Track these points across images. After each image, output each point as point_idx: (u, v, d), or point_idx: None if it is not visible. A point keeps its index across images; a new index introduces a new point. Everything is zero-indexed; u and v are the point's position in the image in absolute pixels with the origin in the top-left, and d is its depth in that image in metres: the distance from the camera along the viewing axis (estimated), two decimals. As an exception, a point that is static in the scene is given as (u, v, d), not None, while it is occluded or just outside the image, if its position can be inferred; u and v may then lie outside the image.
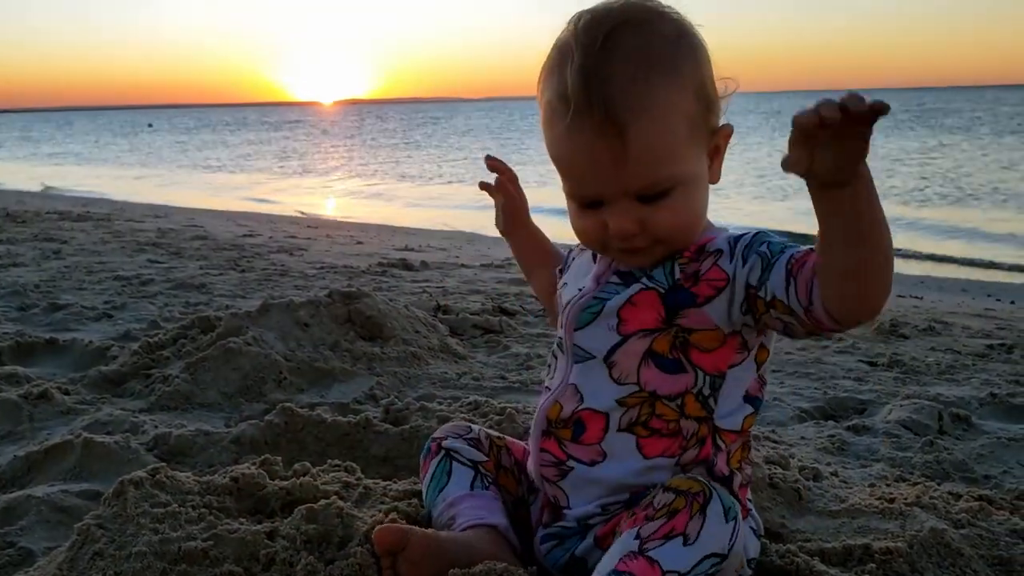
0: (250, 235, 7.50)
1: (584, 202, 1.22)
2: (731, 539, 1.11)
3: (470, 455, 1.40)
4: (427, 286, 4.45)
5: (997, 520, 1.49)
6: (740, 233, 1.20)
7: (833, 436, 2.11)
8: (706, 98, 1.19)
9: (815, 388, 2.59)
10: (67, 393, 2.40)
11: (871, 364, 2.92)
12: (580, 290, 1.31)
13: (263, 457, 1.59)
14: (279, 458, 1.61)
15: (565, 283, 1.39)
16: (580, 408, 1.25)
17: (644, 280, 1.23)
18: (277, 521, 1.33)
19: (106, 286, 4.27)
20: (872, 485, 1.78)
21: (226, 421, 2.25)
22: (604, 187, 1.17)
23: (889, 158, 19.44)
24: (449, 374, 2.63)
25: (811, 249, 1.11)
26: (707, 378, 1.22)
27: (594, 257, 1.33)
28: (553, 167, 1.23)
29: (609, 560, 1.13)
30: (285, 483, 1.47)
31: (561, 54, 1.19)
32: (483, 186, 1.59)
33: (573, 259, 1.43)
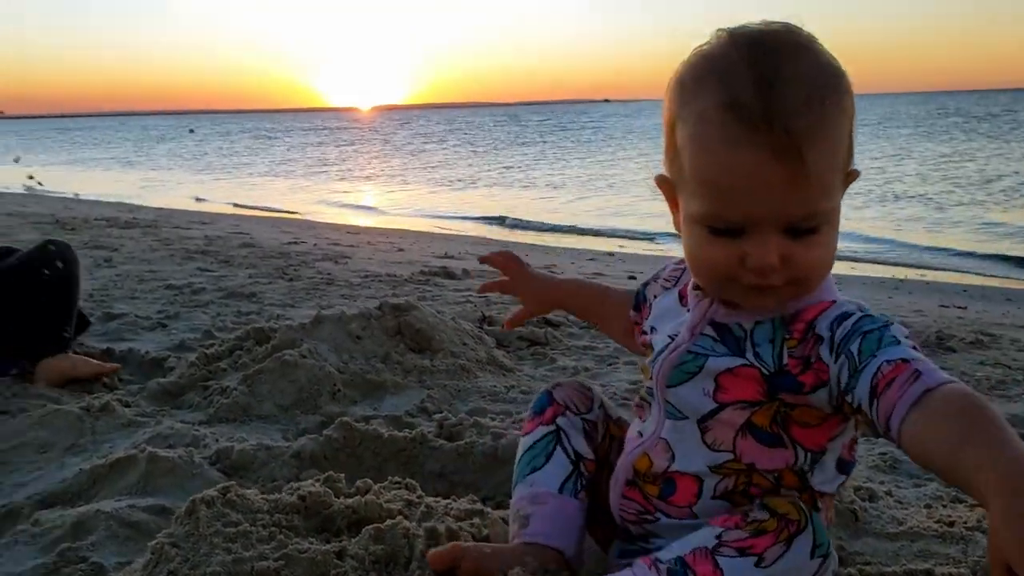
0: (295, 243, 7.60)
1: (721, 228, 1.10)
2: (810, 565, 1.09)
3: (577, 445, 1.34)
4: (470, 296, 4.47)
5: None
6: (843, 313, 1.12)
7: (884, 454, 2.09)
8: (852, 137, 1.14)
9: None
10: (127, 405, 2.46)
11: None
12: (672, 339, 1.24)
13: (327, 474, 1.62)
14: (342, 475, 1.64)
15: (653, 327, 1.32)
16: (671, 468, 1.21)
17: (749, 356, 1.15)
18: (345, 540, 1.36)
19: (158, 295, 4.36)
20: (928, 506, 1.76)
21: (283, 434, 2.29)
22: (759, 212, 1.07)
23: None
24: (498, 387, 2.65)
25: (905, 361, 1.02)
26: (807, 454, 1.17)
27: (681, 298, 1.27)
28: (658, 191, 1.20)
29: (681, 545, 1.12)
30: (350, 501, 1.50)
31: (718, 62, 1.10)
32: (489, 288, 1.60)
33: (654, 298, 1.36)
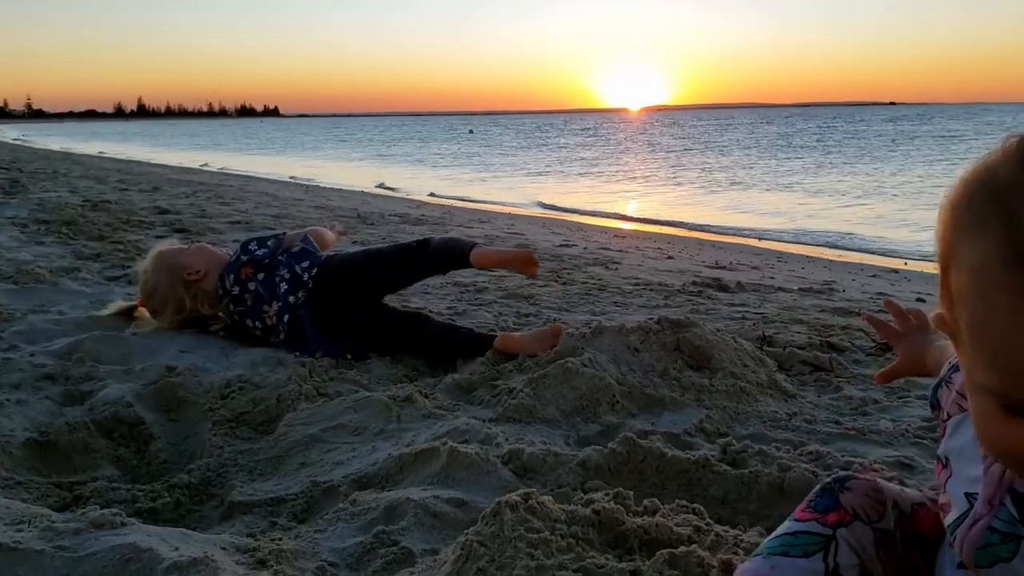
0: (566, 245, 7.82)
1: (1018, 408, 0.87)
2: None
3: (843, 560, 1.19)
4: (746, 311, 4.39)
5: None
6: None
7: None
8: None
9: None
10: (427, 397, 2.68)
11: None
12: (970, 501, 1.04)
13: (615, 490, 1.68)
14: (631, 492, 1.69)
15: (947, 458, 1.11)
16: None
17: None
18: (638, 560, 1.40)
19: (447, 291, 4.67)
20: None
21: (565, 439, 2.39)
22: None
23: None
24: (779, 413, 2.60)
25: None
26: None
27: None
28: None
29: None
30: (641, 520, 1.55)
31: (1003, 193, 0.84)
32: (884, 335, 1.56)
33: (948, 416, 1.14)
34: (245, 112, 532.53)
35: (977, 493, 1.03)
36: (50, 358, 3.01)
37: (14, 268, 4.58)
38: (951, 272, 0.91)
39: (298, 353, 3.16)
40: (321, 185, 18.64)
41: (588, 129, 76.33)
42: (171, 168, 22.18)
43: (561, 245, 7.80)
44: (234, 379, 2.84)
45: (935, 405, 1.19)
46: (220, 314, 3.41)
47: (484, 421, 2.47)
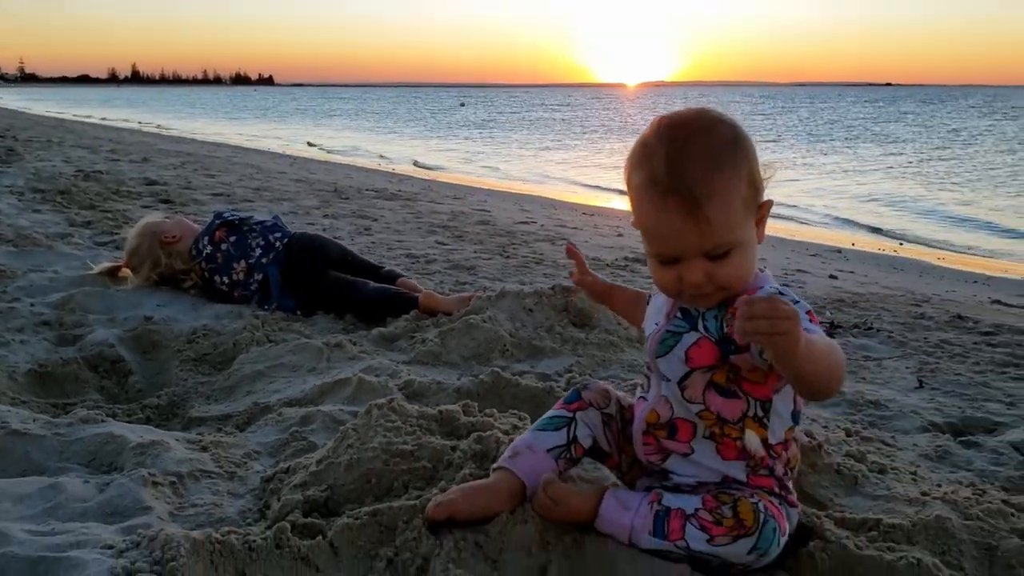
0: (526, 222, 8.42)
1: (664, 259, 1.60)
2: (748, 562, 1.60)
3: (579, 433, 1.80)
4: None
5: (1009, 520, 1.84)
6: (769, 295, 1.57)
7: (940, 447, 2.45)
8: (754, 182, 1.62)
9: (958, 407, 2.88)
10: (355, 344, 3.30)
11: (1039, 394, 3.10)
12: (656, 324, 1.73)
13: (464, 402, 2.31)
14: (476, 404, 2.31)
15: (648, 315, 1.81)
16: (673, 416, 1.72)
17: (701, 329, 1.63)
18: (460, 441, 2.02)
19: (400, 262, 5.27)
20: (915, 477, 2.13)
21: (459, 376, 3.01)
22: (683, 249, 1.56)
23: None
24: (638, 362, 3.21)
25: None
26: (757, 403, 1.66)
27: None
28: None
29: (675, 500, 1.65)
30: (473, 419, 2.17)
31: (647, 150, 1.59)
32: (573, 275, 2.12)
33: (651, 298, 1.86)
34: (240, 80, 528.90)
35: (660, 322, 1.71)
36: (47, 308, 3.62)
37: (14, 233, 5.17)
38: (631, 192, 1.64)
39: (262, 306, 3.80)
40: (307, 158, 19.14)
41: (581, 104, 76.47)
42: (162, 138, 22.63)
43: (521, 222, 8.40)
44: (200, 328, 3.46)
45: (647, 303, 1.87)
46: (193, 273, 4.03)
47: (397, 363, 3.09)
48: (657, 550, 1.63)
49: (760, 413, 1.68)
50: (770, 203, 1.67)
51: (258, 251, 3.97)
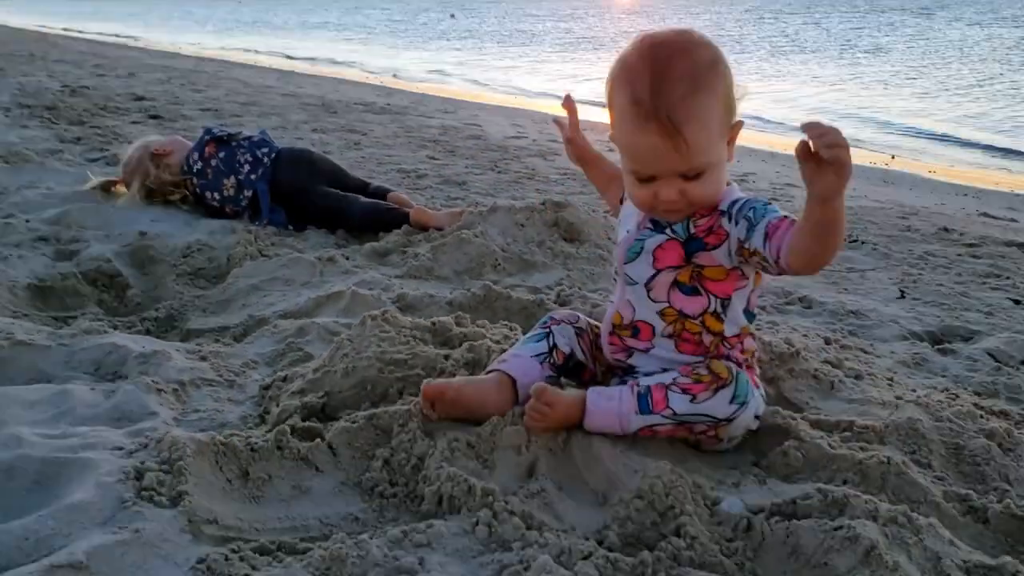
0: (517, 137, 8.37)
1: (641, 177, 1.71)
2: (730, 413, 1.72)
3: (558, 341, 1.92)
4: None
5: (977, 422, 1.93)
6: (736, 199, 1.72)
7: (917, 354, 2.54)
8: (728, 105, 1.69)
9: (938, 316, 2.96)
10: (347, 258, 3.35)
11: (1015, 302, 3.18)
12: (627, 232, 1.85)
13: (456, 313, 2.37)
14: (468, 316, 2.38)
15: (620, 220, 1.94)
16: (635, 319, 1.84)
17: (668, 231, 1.76)
18: (454, 351, 2.10)
19: (390, 177, 5.28)
20: (896, 386, 2.22)
21: (451, 290, 3.07)
22: (661, 169, 1.67)
23: None
24: (611, 269, 3.27)
25: (785, 217, 1.63)
26: (717, 300, 1.78)
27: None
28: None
29: (648, 378, 1.77)
30: (465, 329, 2.24)
31: (629, 70, 1.67)
32: (555, 121, 2.15)
33: (624, 200, 1.93)
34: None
35: (630, 230, 1.84)
36: (43, 224, 3.65)
37: (4, 149, 5.14)
38: (611, 110, 1.72)
39: (253, 222, 3.84)
40: (295, 72, 18.84)
41: (577, 16, 74.79)
42: (148, 52, 22.20)
43: (512, 136, 8.35)
44: (194, 243, 3.50)
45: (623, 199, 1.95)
46: (185, 187, 4.05)
47: (389, 277, 3.15)
48: (647, 428, 1.74)
49: (719, 309, 1.80)
50: (740, 123, 1.74)
51: (246, 167, 3.97)
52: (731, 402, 1.72)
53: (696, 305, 1.79)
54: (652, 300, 1.81)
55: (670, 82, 1.62)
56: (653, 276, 1.80)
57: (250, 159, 3.99)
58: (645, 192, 1.72)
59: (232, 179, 3.96)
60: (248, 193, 3.94)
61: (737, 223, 1.69)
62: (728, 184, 1.78)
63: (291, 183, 3.92)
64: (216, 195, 3.99)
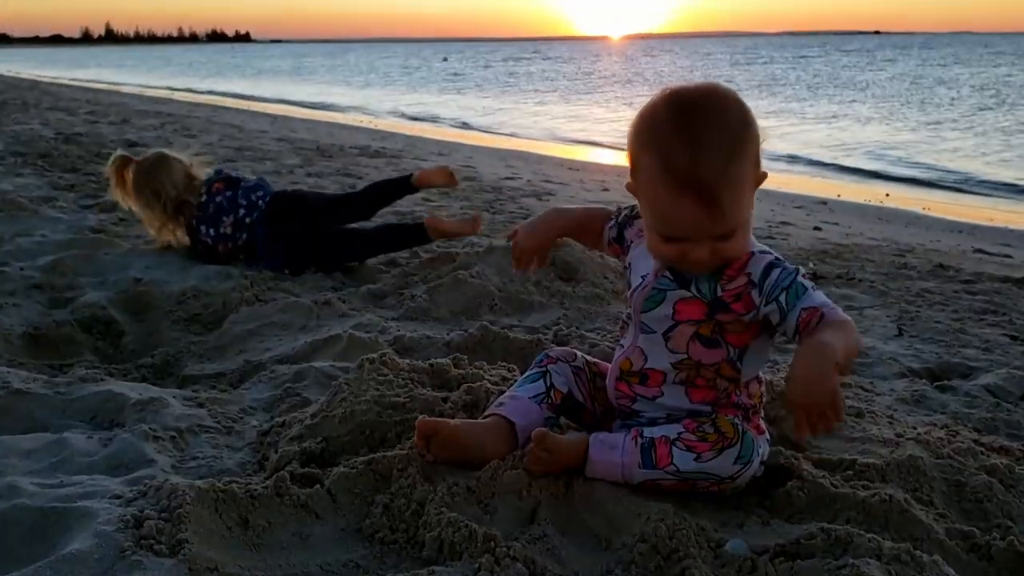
0: (511, 178, 8.43)
1: (670, 237, 1.66)
2: (734, 473, 1.71)
3: (555, 381, 1.90)
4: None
5: (978, 459, 1.92)
6: (767, 268, 1.69)
7: (917, 391, 2.54)
8: (757, 161, 1.66)
9: (936, 353, 2.96)
10: (344, 302, 3.34)
11: (1012, 338, 3.19)
12: (643, 278, 1.81)
13: (454, 355, 2.37)
14: (465, 357, 2.37)
15: (631, 265, 1.89)
16: (645, 366, 1.81)
17: (693, 290, 1.72)
18: (452, 393, 2.09)
19: (387, 220, 5.30)
20: (892, 420, 2.21)
21: (448, 331, 3.07)
22: (695, 233, 1.62)
23: None
24: (623, 313, 3.28)
25: (816, 308, 1.63)
26: (735, 350, 1.76)
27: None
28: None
29: (656, 431, 1.75)
30: (463, 371, 2.24)
31: (659, 133, 1.61)
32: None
33: (631, 242, 1.92)
34: (216, 37, 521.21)
35: (647, 275, 1.80)
36: (37, 272, 3.65)
37: (-1, 198, 5.16)
38: (637, 168, 1.67)
39: (248, 264, 3.84)
40: (288, 116, 18.98)
41: (568, 58, 75.73)
42: (140, 99, 22.36)
43: (506, 177, 8.42)
44: (189, 289, 3.49)
45: (623, 239, 1.96)
46: (185, 210, 4.05)
47: (386, 319, 3.15)
48: (649, 481, 1.72)
49: (735, 357, 1.78)
50: (766, 175, 1.71)
51: (242, 210, 4.00)
52: (735, 462, 1.71)
53: (715, 356, 1.77)
54: (670, 350, 1.78)
55: (707, 150, 1.57)
56: (672, 327, 1.77)
57: (244, 203, 4.01)
58: (671, 249, 1.68)
59: (231, 218, 3.98)
60: (243, 236, 3.95)
61: (768, 304, 1.68)
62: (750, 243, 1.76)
63: (288, 222, 3.93)
64: (211, 231, 4.00)
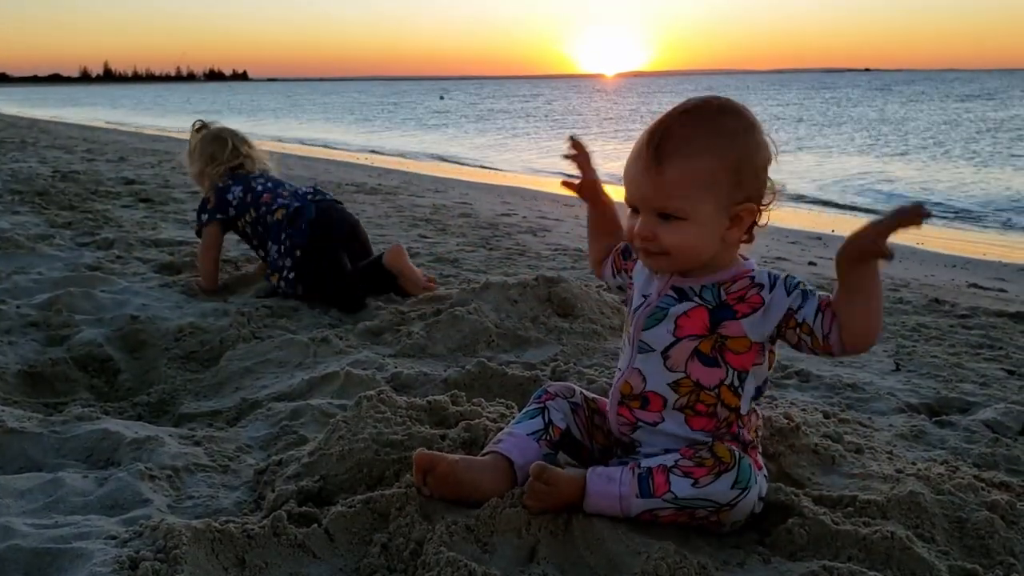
0: (507, 214, 8.46)
1: (630, 207, 1.74)
2: (732, 499, 1.69)
3: (553, 417, 1.90)
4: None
5: (979, 495, 1.91)
6: (773, 273, 1.74)
7: (916, 427, 2.53)
8: (738, 176, 1.68)
9: (934, 388, 2.96)
10: (341, 338, 3.34)
11: (1009, 373, 3.19)
12: (645, 298, 1.83)
13: (452, 392, 2.36)
14: (463, 394, 2.36)
15: (632, 281, 1.93)
16: (645, 389, 1.81)
17: (696, 299, 1.76)
18: (450, 431, 2.08)
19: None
20: (896, 460, 2.20)
21: (445, 368, 3.06)
22: (640, 198, 1.71)
23: None
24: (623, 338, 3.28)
25: (828, 296, 1.68)
26: (735, 372, 1.77)
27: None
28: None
29: (652, 461, 1.74)
30: (461, 408, 2.23)
31: (656, 125, 1.72)
32: (565, 183, 2.13)
33: (636, 259, 1.92)
34: (214, 76, 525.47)
35: (649, 294, 1.83)
36: (33, 310, 3.63)
37: (-5, 235, 5.16)
38: None
39: (254, 248, 4.30)
40: (285, 153, 19.07)
41: (575, 94, 76.35)
42: (138, 136, 22.47)
43: (503, 214, 8.44)
44: (186, 326, 3.48)
45: (630, 255, 1.98)
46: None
47: (383, 356, 3.14)
48: (648, 512, 1.71)
49: (736, 383, 1.78)
50: (752, 208, 1.72)
51: (283, 199, 4.23)
52: (733, 487, 1.69)
53: (714, 377, 1.77)
54: (668, 369, 1.78)
55: (681, 125, 1.69)
56: (672, 344, 1.78)
57: (290, 193, 4.33)
58: (629, 223, 1.75)
59: (269, 195, 4.28)
60: (272, 216, 4.18)
61: (789, 292, 1.71)
62: (745, 259, 1.79)
63: (329, 232, 4.09)
64: (241, 192, 4.28)
